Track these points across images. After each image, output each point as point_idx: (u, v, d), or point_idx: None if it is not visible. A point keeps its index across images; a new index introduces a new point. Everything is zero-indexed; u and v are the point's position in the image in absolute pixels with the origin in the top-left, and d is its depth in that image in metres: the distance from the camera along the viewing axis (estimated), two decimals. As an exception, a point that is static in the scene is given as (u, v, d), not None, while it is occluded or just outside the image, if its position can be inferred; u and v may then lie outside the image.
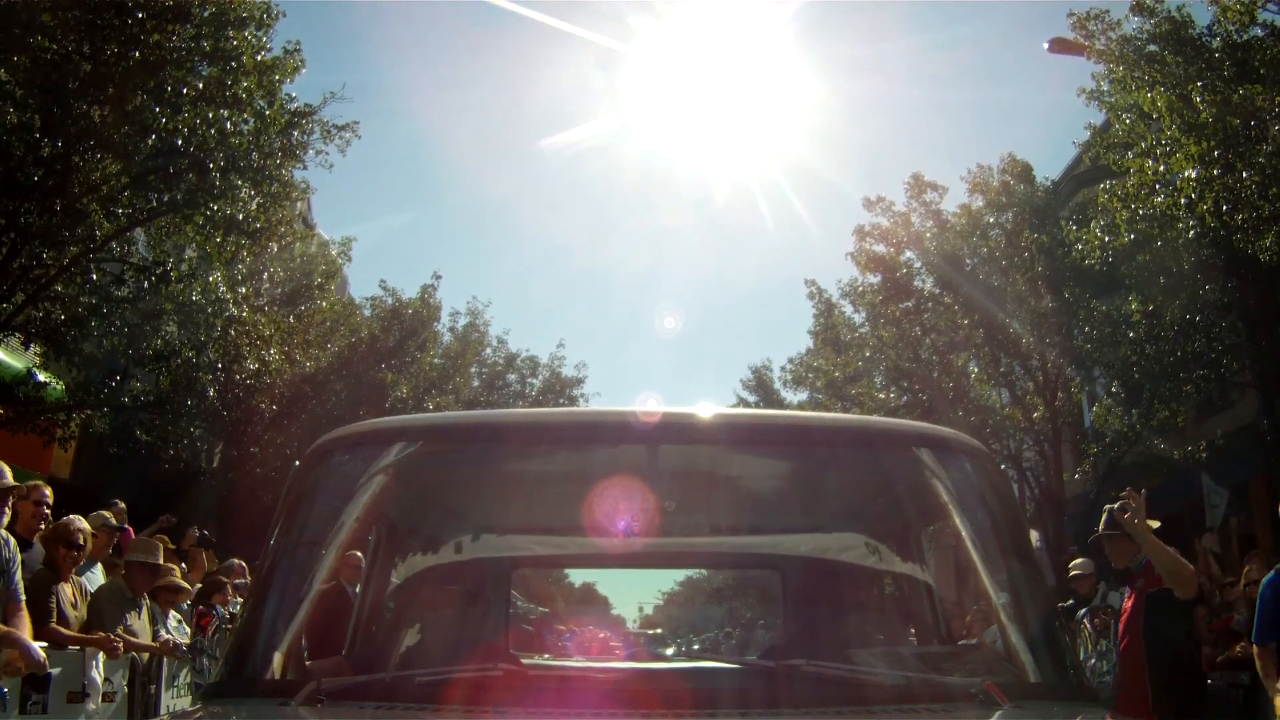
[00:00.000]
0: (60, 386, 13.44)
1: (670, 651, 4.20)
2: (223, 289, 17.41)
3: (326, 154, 13.47)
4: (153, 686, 6.29)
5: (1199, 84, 11.90)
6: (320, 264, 21.58)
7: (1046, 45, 14.80)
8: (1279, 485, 13.15)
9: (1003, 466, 11.84)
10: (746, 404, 32.58)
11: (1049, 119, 51.85)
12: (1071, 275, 17.39)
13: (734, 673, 2.89)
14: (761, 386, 33.76)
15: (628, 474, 2.73)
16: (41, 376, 13.08)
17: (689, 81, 38.40)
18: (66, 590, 5.98)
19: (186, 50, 11.55)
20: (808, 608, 3.52)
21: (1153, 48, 12.87)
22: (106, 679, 5.75)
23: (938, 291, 20.39)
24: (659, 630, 4.33)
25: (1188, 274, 14.53)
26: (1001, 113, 58.49)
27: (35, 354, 13.42)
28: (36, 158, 10.58)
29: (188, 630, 7.02)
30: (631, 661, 3.72)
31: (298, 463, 2.75)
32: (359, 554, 3.69)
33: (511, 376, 30.53)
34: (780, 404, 30.85)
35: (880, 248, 20.85)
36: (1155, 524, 5.37)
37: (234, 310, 17.81)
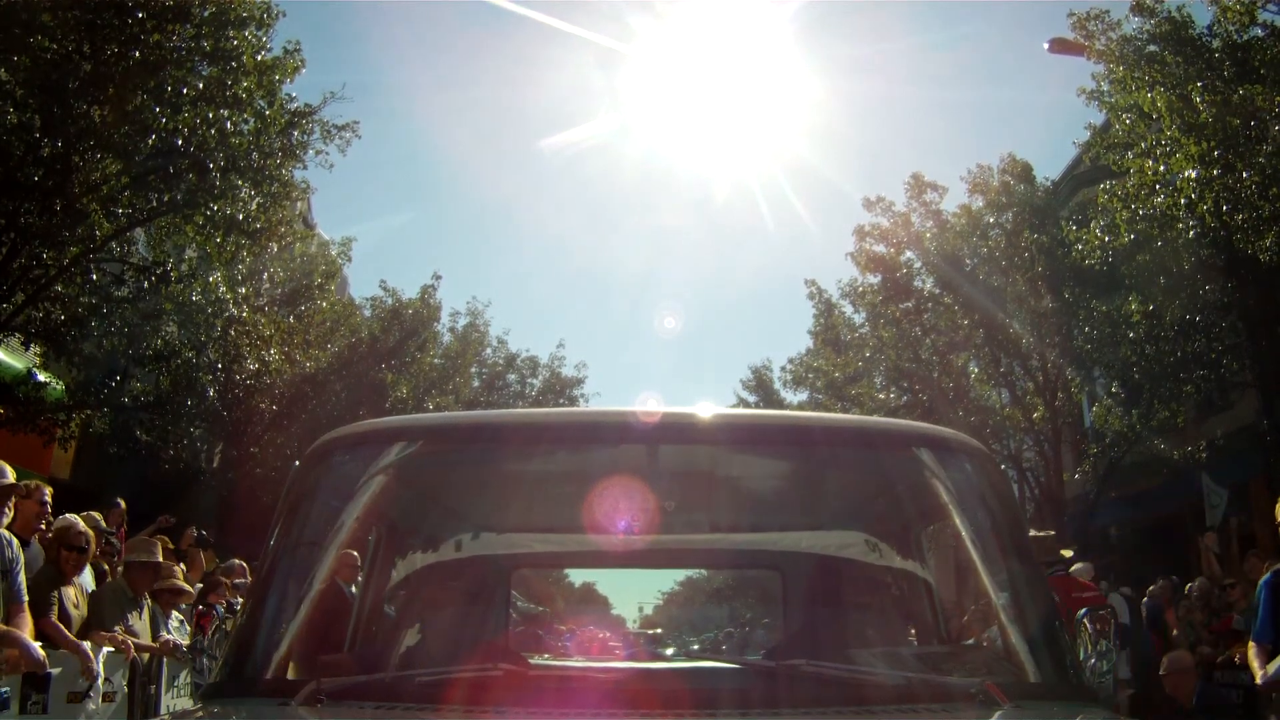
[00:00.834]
0: (60, 386, 13.43)
1: (670, 651, 4.20)
2: (223, 289, 17.42)
3: (326, 154, 13.49)
4: (153, 686, 6.29)
5: (1199, 84, 11.90)
6: (320, 264, 21.57)
7: (1046, 45, 14.82)
8: (1279, 485, 13.14)
9: (1003, 466, 11.85)
10: (746, 404, 32.59)
11: (1049, 119, 51.93)
12: (1071, 275, 17.39)
13: (734, 673, 2.89)
14: (761, 387, 33.77)
15: (628, 474, 2.73)
16: (41, 376, 13.08)
17: (689, 81, 38.46)
18: (70, 592, 5.98)
19: (186, 50, 11.55)
20: (808, 608, 3.52)
21: (1153, 48, 12.88)
22: (107, 679, 5.75)
23: (938, 291, 20.40)
24: (659, 630, 4.33)
25: (1188, 274, 14.53)
26: (1001, 113, 58.56)
27: (35, 354, 13.42)
28: (36, 158, 10.58)
29: (189, 631, 7.02)
30: (631, 661, 3.72)
31: (298, 463, 2.75)
32: (354, 553, 3.69)
33: (511, 377, 30.55)
34: (780, 404, 30.86)
35: (880, 248, 20.86)
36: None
37: (234, 310, 17.82)
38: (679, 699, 2.14)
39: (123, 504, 9.93)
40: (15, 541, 5.26)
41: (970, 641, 3.60)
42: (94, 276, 12.39)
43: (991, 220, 19.51)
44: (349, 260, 22.77)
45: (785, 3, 33.37)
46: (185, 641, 6.63)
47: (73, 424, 12.94)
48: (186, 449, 17.95)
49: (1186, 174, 12.06)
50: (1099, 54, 13.67)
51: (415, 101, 48.87)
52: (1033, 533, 9.63)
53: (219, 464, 20.14)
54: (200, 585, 8.26)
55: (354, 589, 3.56)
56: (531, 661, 3.37)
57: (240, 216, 12.66)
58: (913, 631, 3.58)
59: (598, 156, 63.08)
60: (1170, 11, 12.86)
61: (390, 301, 24.62)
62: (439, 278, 26.00)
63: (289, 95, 13.05)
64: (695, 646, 4.28)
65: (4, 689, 4.87)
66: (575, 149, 44.64)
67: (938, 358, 21.09)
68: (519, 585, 3.96)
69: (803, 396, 29.97)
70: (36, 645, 5.07)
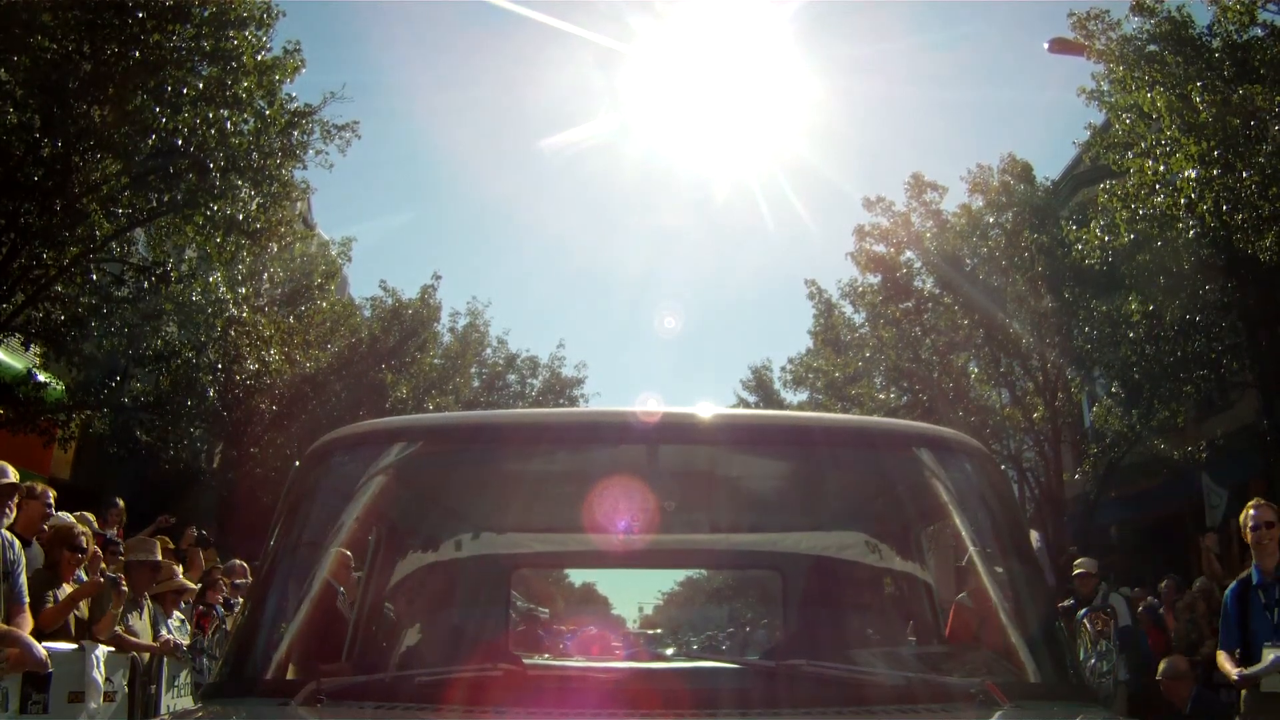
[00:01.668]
0: (60, 387, 13.43)
1: (670, 651, 4.20)
2: (223, 289, 17.42)
3: (326, 154, 13.48)
4: (153, 686, 6.30)
5: (1199, 84, 11.90)
6: (320, 264, 21.57)
7: (1046, 45, 14.81)
8: (1279, 485, 13.14)
9: (1003, 466, 11.84)
10: (746, 404, 32.59)
11: (1049, 119, 51.90)
12: (1071, 275, 17.39)
13: (734, 673, 2.89)
14: (761, 387, 33.77)
15: (628, 474, 2.73)
16: (41, 377, 13.07)
17: (689, 81, 38.44)
18: (68, 591, 5.98)
19: (186, 50, 11.54)
20: (808, 608, 3.52)
21: (1153, 48, 12.87)
22: (107, 679, 5.75)
23: (938, 291, 20.39)
24: (659, 630, 4.33)
25: (1188, 274, 14.53)
26: (1001, 113, 58.53)
27: (35, 354, 13.42)
28: (36, 158, 10.58)
29: (189, 631, 7.02)
30: (631, 661, 3.72)
31: (298, 463, 2.75)
32: (348, 552, 3.69)
33: (511, 377, 30.54)
34: (780, 404, 30.86)
35: (880, 248, 20.84)
36: None
37: (234, 310, 17.82)
38: (679, 699, 2.14)
39: (121, 503, 9.93)
40: (17, 543, 5.26)
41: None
42: (94, 276, 12.39)
43: (991, 220, 19.50)
44: (349, 260, 22.82)
45: (785, 3, 33.40)
46: (185, 641, 6.63)
47: (73, 424, 12.94)
48: (186, 449, 17.94)
49: (1186, 174, 12.05)
50: (1099, 54, 13.66)
51: (415, 101, 48.91)
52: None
53: (219, 464, 20.14)
54: (200, 585, 8.26)
55: (342, 589, 3.56)
56: (531, 662, 3.38)
57: (240, 216, 12.66)
58: (912, 631, 3.58)
59: (598, 156, 63.13)
60: (1170, 11, 12.86)
61: (390, 301, 24.63)
62: (439, 278, 26.05)
63: (289, 95, 13.06)
64: (695, 646, 4.28)
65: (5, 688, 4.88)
66: (575, 149, 44.64)
67: (938, 358, 21.08)
68: (519, 585, 3.96)
69: (803, 396, 29.98)
70: (38, 645, 5.08)
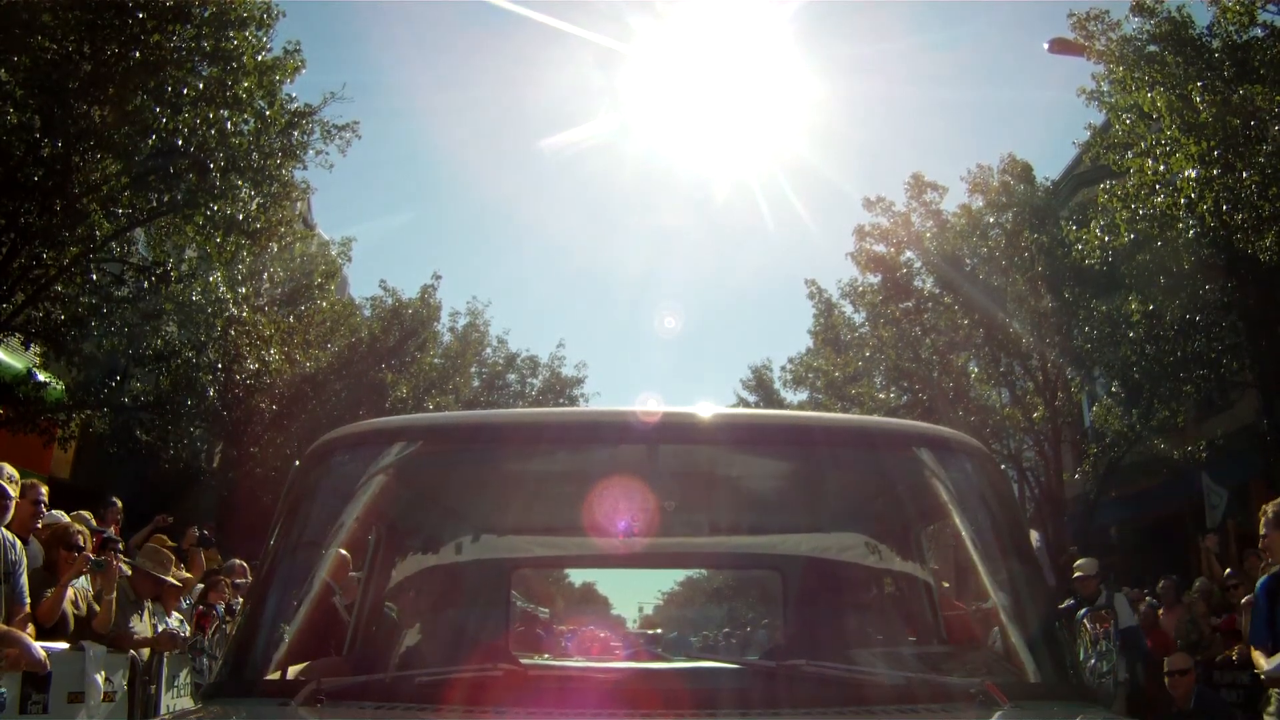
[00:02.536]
0: (60, 386, 13.43)
1: (670, 651, 4.20)
2: (223, 289, 17.42)
3: (326, 154, 13.50)
4: (153, 686, 6.29)
5: (1199, 84, 11.90)
6: (320, 264, 21.57)
7: (1046, 45, 14.80)
8: (1279, 485, 13.14)
9: (1003, 466, 11.84)
10: (746, 404, 32.58)
11: (1049, 119, 51.90)
12: (1071, 275, 17.39)
13: (734, 673, 2.89)
14: (761, 386, 33.77)
15: (628, 474, 2.73)
16: (41, 376, 13.07)
17: (689, 81, 38.43)
18: (69, 591, 5.98)
19: (186, 50, 11.54)
20: (808, 608, 3.51)
21: (1153, 48, 12.87)
22: (107, 679, 5.75)
23: (938, 291, 20.39)
24: (659, 630, 4.33)
25: (1188, 274, 14.53)
26: (1001, 113, 58.51)
27: (35, 354, 13.41)
28: (36, 158, 10.58)
29: (188, 629, 7.02)
30: (631, 661, 3.72)
31: (298, 463, 2.75)
32: (345, 552, 3.69)
33: (511, 376, 30.54)
34: (780, 404, 30.85)
35: (880, 248, 20.84)
36: None
37: (234, 310, 17.81)
38: (679, 699, 2.14)
39: (119, 503, 9.93)
40: (19, 544, 5.26)
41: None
42: (94, 276, 12.38)
43: (991, 220, 19.50)
44: (349, 260, 22.83)
45: (785, 3, 33.35)
46: (184, 633, 6.63)
47: (73, 424, 12.94)
48: (186, 449, 17.93)
49: (1186, 174, 12.05)
50: (1099, 54, 13.66)
51: (415, 101, 48.85)
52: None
53: (219, 464, 20.13)
54: (201, 585, 8.26)
55: (340, 590, 3.56)
56: (531, 662, 3.38)
57: (240, 216, 12.66)
58: (912, 631, 3.58)
59: (598, 156, 63.08)
60: (1170, 12, 12.85)
61: (390, 301, 24.63)
62: (439, 278, 26.06)
63: (289, 95, 13.07)
64: (695, 646, 4.28)
65: (2, 689, 4.87)
66: (575, 149, 44.62)
67: (938, 358, 21.08)
68: (519, 585, 3.96)
69: (803, 396, 29.98)
70: (38, 646, 5.08)
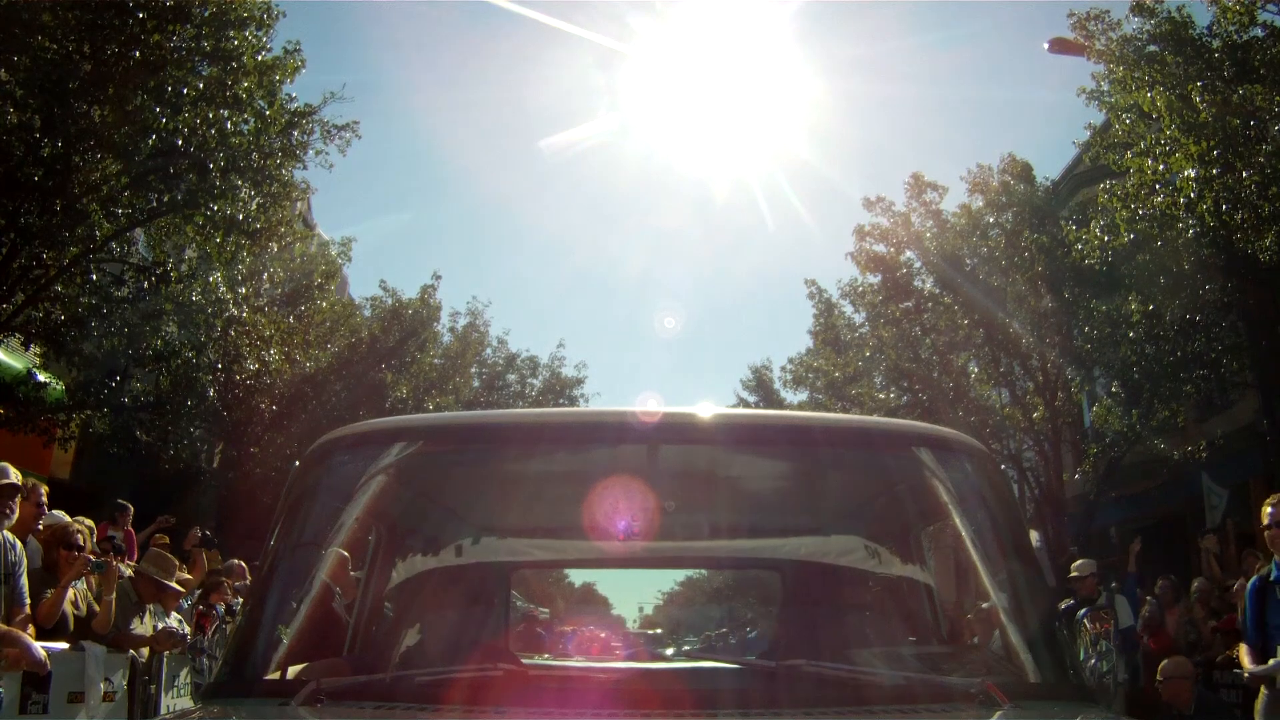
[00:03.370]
0: (60, 386, 13.43)
1: (670, 651, 4.20)
2: (223, 289, 17.40)
3: (326, 154, 13.48)
4: (153, 686, 6.29)
5: (1199, 84, 11.89)
6: (320, 264, 21.56)
7: (1046, 45, 14.79)
8: (1279, 485, 13.14)
9: (1003, 466, 11.84)
10: (746, 404, 32.58)
11: (1049, 119, 51.91)
12: (1071, 275, 17.38)
13: (734, 673, 2.90)
14: (761, 386, 33.77)
15: (628, 474, 2.73)
16: (41, 376, 13.07)
17: (689, 81, 38.37)
18: (69, 591, 5.98)
19: (186, 50, 11.54)
20: (808, 608, 3.52)
21: (1153, 48, 12.86)
22: (107, 679, 5.75)
23: (938, 291, 20.38)
24: (659, 630, 4.33)
25: (1188, 274, 14.51)
26: (1001, 113, 58.54)
27: (35, 354, 13.41)
28: (36, 158, 10.57)
29: (188, 629, 7.02)
30: (631, 661, 3.72)
31: (298, 463, 2.75)
32: (344, 552, 3.69)
33: (511, 377, 30.53)
34: (780, 404, 30.85)
35: (880, 248, 20.84)
36: None
37: (234, 310, 17.80)
38: (679, 699, 2.14)
39: (130, 507, 9.97)
40: (19, 544, 5.27)
41: (970, 641, 3.60)
42: (94, 276, 12.37)
43: (991, 220, 19.49)
44: (349, 260, 22.80)
45: (785, 3, 33.33)
46: (184, 631, 6.63)
47: (73, 424, 12.94)
48: (186, 449, 17.92)
49: (1186, 173, 12.04)
50: (1099, 54, 13.65)
51: (415, 101, 48.88)
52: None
53: (219, 464, 20.13)
54: (203, 585, 8.26)
55: (339, 590, 3.56)
56: (531, 661, 3.38)
57: (240, 216, 12.65)
58: (912, 632, 3.58)
59: (598, 156, 63.07)
60: (1170, 11, 12.84)
61: (390, 301, 24.63)
62: (439, 278, 26.08)
63: (289, 95, 13.06)
64: (695, 646, 4.28)
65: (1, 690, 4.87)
66: (575, 149, 44.43)
67: (938, 358, 21.07)
68: (519, 585, 3.96)
69: (803, 396, 29.95)
70: (38, 646, 5.08)
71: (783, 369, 31.56)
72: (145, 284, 13.32)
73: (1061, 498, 19.40)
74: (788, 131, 36.60)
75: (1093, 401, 19.79)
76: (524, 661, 3.02)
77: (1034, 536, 11.90)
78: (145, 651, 6.36)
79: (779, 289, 72.26)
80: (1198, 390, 16.33)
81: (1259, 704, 5.41)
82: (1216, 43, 12.35)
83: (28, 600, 5.20)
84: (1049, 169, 33.43)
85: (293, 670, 2.37)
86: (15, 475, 5.34)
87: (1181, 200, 12.23)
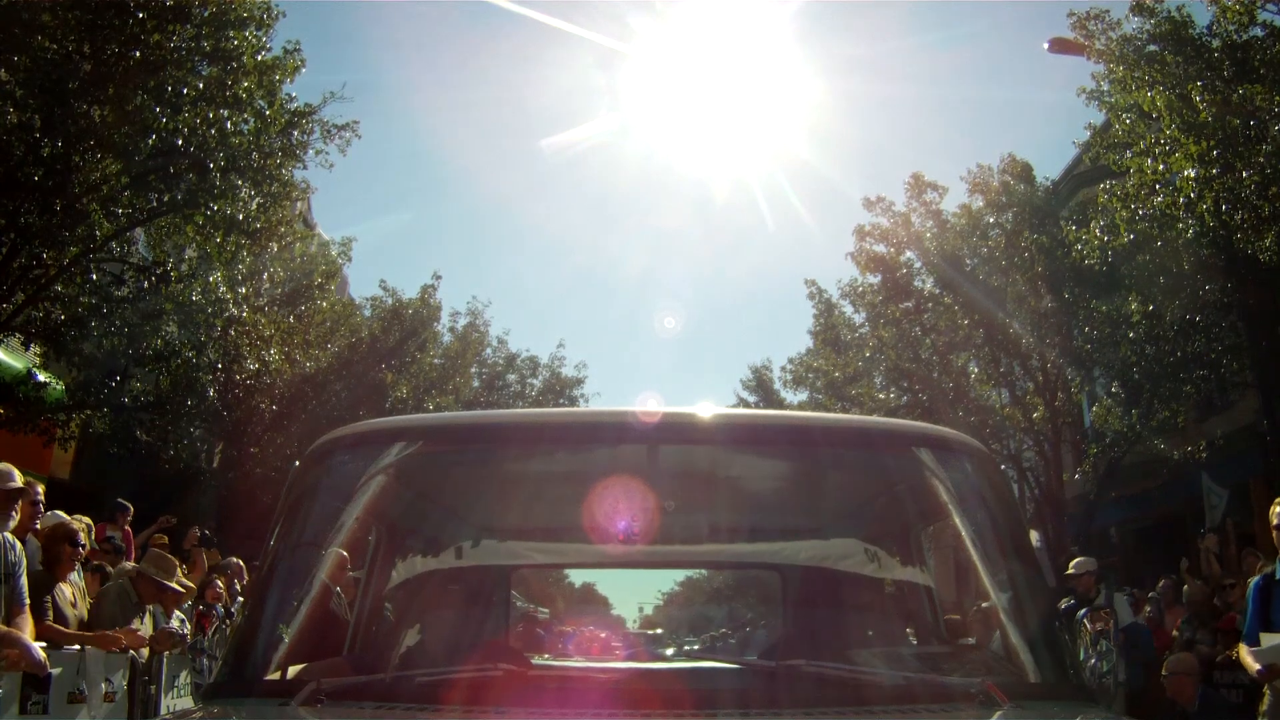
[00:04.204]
0: (60, 386, 13.42)
1: (670, 652, 4.20)
2: (223, 289, 17.40)
3: (326, 154, 13.47)
4: (153, 686, 6.29)
5: (1199, 84, 11.89)
6: (320, 264, 21.57)
7: (1046, 45, 14.78)
8: (1279, 485, 13.13)
9: (1003, 466, 11.83)
10: (746, 404, 32.57)
11: (1049, 119, 51.92)
12: (1071, 275, 17.38)
13: (734, 673, 2.90)
14: (761, 386, 33.76)
15: (627, 474, 2.73)
16: (41, 376, 13.06)
17: (689, 81, 38.39)
18: (66, 590, 5.98)
19: (186, 50, 11.54)
20: (807, 608, 3.51)
21: (1153, 48, 12.86)
22: (106, 679, 5.75)
23: (938, 291, 20.38)
24: (659, 630, 4.33)
25: (1188, 274, 14.52)
26: (1001, 113, 58.54)
27: (35, 354, 13.41)
28: (36, 158, 10.57)
29: (188, 628, 7.02)
30: (632, 662, 3.72)
31: (298, 463, 2.75)
32: (343, 552, 3.69)
33: (511, 377, 30.53)
34: (780, 404, 30.84)
35: (880, 248, 20.84)
36: None
37: (234, 310, 17.80)
38: (679, 699, 2.14)
39: (130, 506, 9.96)
40: (19, 545, 5.26)
41: (970, 641, 3.60)
42: (94, 276, 12.37)
43: (991, 220, 19.49)
44: (349, 260, 22.81)
45: (785, 3, 33.33)
46: (184, 633, 6.63)
47: (73, 424, 12.93)
48: (186, 449, 17.92)
49: (1186, 174, 12.04)
50: (1099, 54, 13.65)
51: (415, 101, 48.91)
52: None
53: (219, 464, 20.13)
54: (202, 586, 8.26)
55: (339, 590, 3.56)
56: (531, 662, 3.37)
57: (240, 216, 12.65)
58: (912, 632, 3.58)
59: (598, 156, 62.99)
60: (1170, 11, 12.84)
61: (390, 301, 24.64)
62: (439, 278, 26.08)
63: (289, 95, 13.05)
64: (695, 646, 4.28)
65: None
66: (575, 149, 44.42)
67: (938, 358, 21.07)
68: (519, 585, 3.96)
69: (803, 396, 29.95)
70: (37, 646, 5.08)
71: (783, 369, 31.61)
72: (145, 284, 13.31)
73: (1061, 498, 19.40)
74: (788, 131, 36.67)
75: (1093, 401, 19.79)
76: (523, 662, 3.02)
77: (1034, 536, 11.88)
78: (145, 651, 6.36)
79: (779, 289, 72.35)
80: (1198, 390, 16.33)
81: (1264, 705, 5.39)
82: (1216, 42, 12.35)
83: (27, 600, 5.20)
84: (1049, 169, 33.46)
85: (293, 670, 2.37)
86: (20, 479, 5.34)
87: (1181, 200, 12.23)
